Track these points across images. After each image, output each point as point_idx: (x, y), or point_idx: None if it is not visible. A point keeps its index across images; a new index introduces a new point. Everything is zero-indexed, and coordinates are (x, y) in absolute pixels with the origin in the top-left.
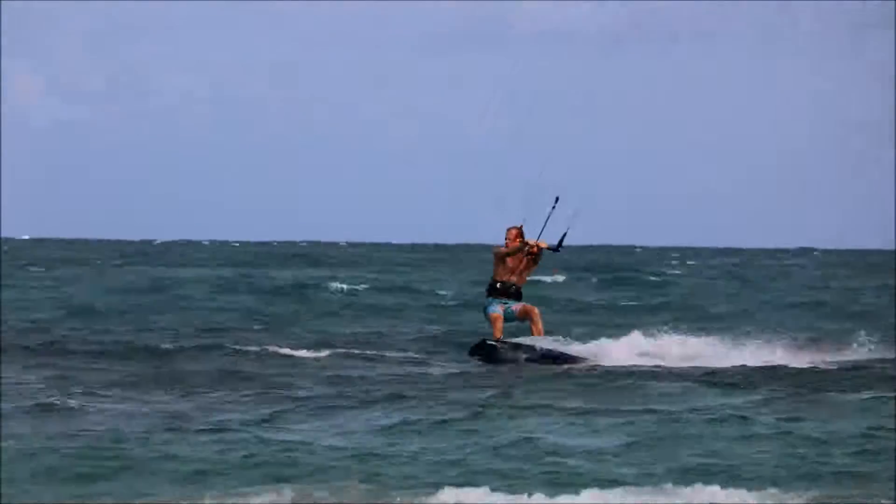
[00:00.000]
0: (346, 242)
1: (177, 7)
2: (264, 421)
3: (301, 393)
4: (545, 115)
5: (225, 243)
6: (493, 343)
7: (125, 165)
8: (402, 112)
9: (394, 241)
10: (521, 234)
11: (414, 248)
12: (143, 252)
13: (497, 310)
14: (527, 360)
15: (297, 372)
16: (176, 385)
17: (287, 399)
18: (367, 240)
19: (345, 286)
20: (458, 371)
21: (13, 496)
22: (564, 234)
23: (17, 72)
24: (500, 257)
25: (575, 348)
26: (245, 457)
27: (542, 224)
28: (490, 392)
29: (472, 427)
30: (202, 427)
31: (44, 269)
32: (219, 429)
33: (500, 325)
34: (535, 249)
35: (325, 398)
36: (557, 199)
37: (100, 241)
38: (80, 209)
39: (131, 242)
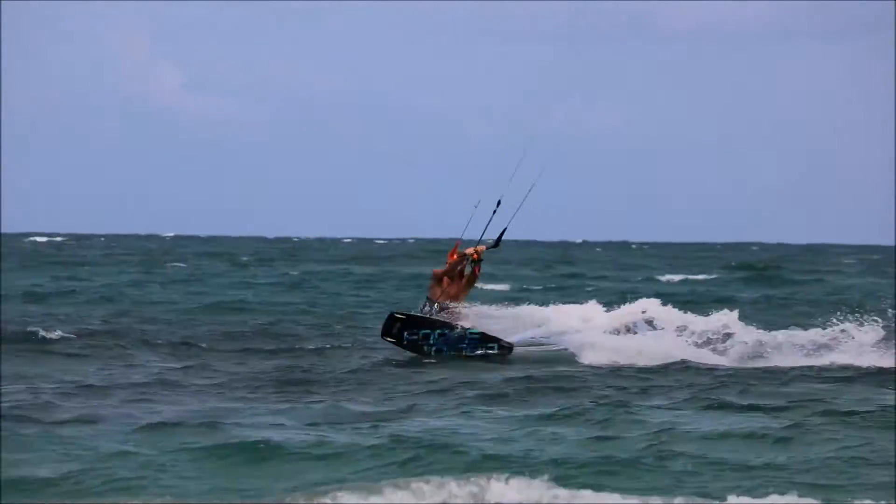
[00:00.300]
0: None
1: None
2: (406, 413)
3: (439, 386)
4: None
5: (366, 240)
6: (402, 314)
7: (260, 161)
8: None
9: (539, 239)
10: (456, 251)
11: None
12: (282, 248)
13: None
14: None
15: (437, 366)
16: (322, 378)
17: (429, 393)
18: (520, 237)
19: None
20: (605, 366)
21: (164, 486)
22: (503, 231)
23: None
24: (438, 278)
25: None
26: (390, 448)
27: (483, 228)
28: (632, 382)
29: (609, 419)
30: (346, 420)
31: (186, 265)
32: (365, 421)
33: None
34: (476, 256)
35: (464, 389)
36: (499, 202)
37: (239, 238)
38: (220, 207)
39: (270, 239)
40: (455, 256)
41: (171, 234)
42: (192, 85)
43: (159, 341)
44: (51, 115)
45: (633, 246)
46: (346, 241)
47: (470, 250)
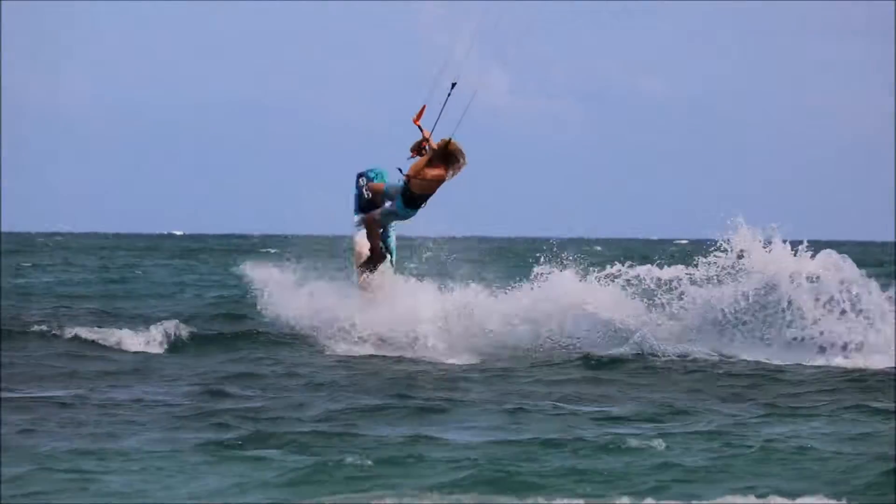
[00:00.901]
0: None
1: None
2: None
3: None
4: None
5: (699, 242)
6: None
7: (578, 164)
8: None
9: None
10: (420, 116)
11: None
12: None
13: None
14: None
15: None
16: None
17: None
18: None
19: None
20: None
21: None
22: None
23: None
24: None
25: None
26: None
27: (438, 113)
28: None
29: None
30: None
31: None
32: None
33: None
34: (425, 143)
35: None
36: (454, 84)
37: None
38: (541, 209)
39: (590, 240)
40: (418, 122)
41: (506, 235)
42: (518, 89)
43: None
44: (378, 118)
45: None
46: (680, 241)
47: (427, 132)
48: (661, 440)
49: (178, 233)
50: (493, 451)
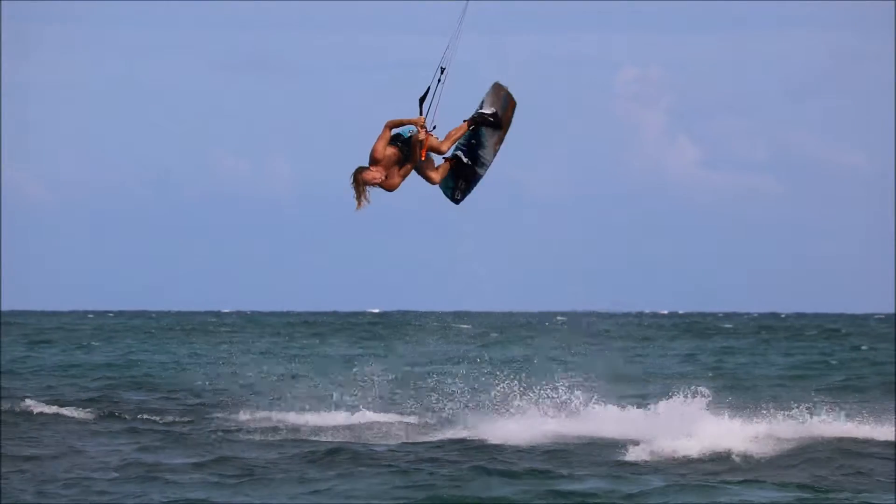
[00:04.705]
0: None
1: None
2: None
3: None
4: None
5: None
6: None
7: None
8: None
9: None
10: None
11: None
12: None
13: None
14: None
15: None
16: None
17: None
18: None
19: None
20: None
21: None
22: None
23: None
24: None
25: None
26: None
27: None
28: None
29: None
30: None
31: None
32: None
33: None
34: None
35: None
36: (444, 69)
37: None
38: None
39: (782, 316)
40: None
41: (697, 310)
42: (707, 162)
43: None
44: (568, 188)
45: None
46: (878, 315)
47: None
48: None
49: (375, 310)
50: None
